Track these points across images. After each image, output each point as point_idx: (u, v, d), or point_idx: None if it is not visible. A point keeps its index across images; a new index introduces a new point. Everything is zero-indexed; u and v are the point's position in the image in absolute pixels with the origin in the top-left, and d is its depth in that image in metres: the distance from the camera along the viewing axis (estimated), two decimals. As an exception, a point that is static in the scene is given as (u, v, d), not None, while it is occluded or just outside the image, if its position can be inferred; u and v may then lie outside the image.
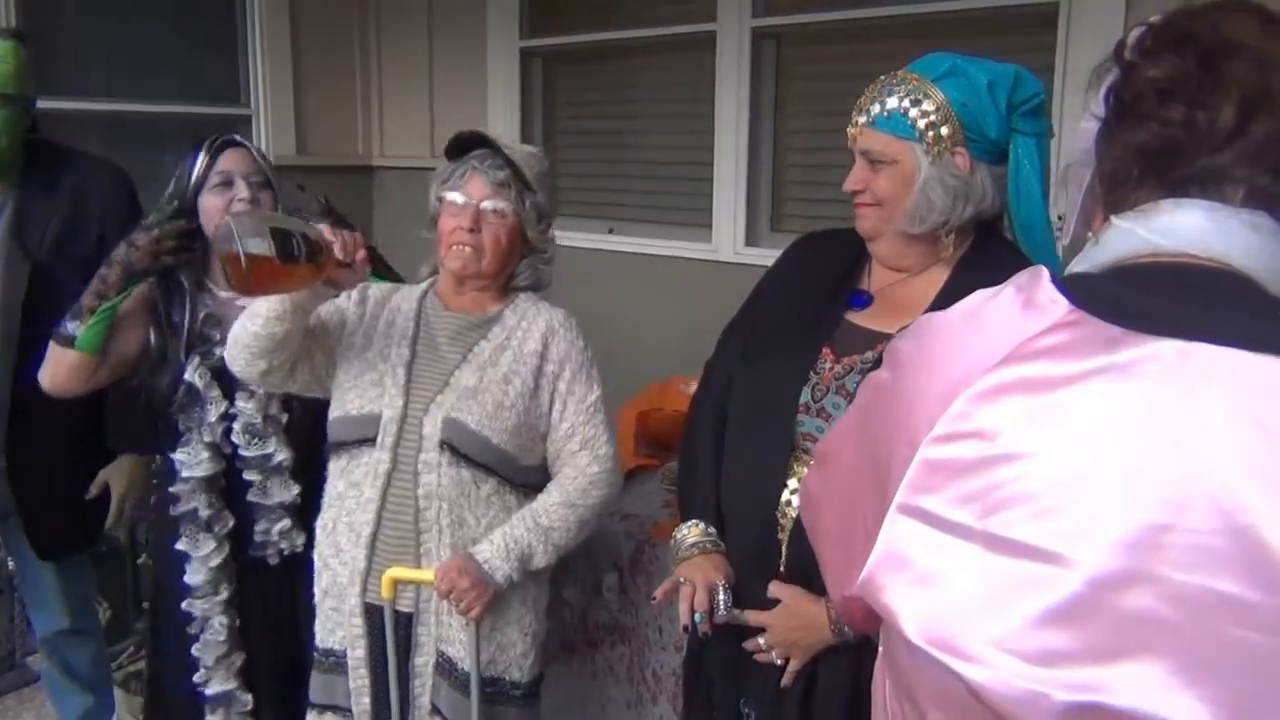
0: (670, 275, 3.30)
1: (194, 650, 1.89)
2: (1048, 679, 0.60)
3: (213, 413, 1.82)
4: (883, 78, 1.41)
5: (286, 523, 1.88)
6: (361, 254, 1.55)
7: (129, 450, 2.23)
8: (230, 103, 3.76)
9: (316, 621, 1.76)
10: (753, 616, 1.42)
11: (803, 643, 1.39)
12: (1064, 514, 0.61)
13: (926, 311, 1.05)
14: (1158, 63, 0.72)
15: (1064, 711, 0.59)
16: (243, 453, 1.84)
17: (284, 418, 1.87)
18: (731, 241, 3.14)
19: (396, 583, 1.66)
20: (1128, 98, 0.74)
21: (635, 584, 2.14)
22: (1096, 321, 0.65)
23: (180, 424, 1.84)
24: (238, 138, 1.92)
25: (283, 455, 1.86)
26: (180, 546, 1.85)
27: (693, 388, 1.71)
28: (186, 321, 1.84)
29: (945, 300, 1.20)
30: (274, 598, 1.92)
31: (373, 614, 1.69)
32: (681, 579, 1.47)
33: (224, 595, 1.88)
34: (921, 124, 1.34)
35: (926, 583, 0.66)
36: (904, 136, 1.35)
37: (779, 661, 1.42)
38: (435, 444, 1.64)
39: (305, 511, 1.85)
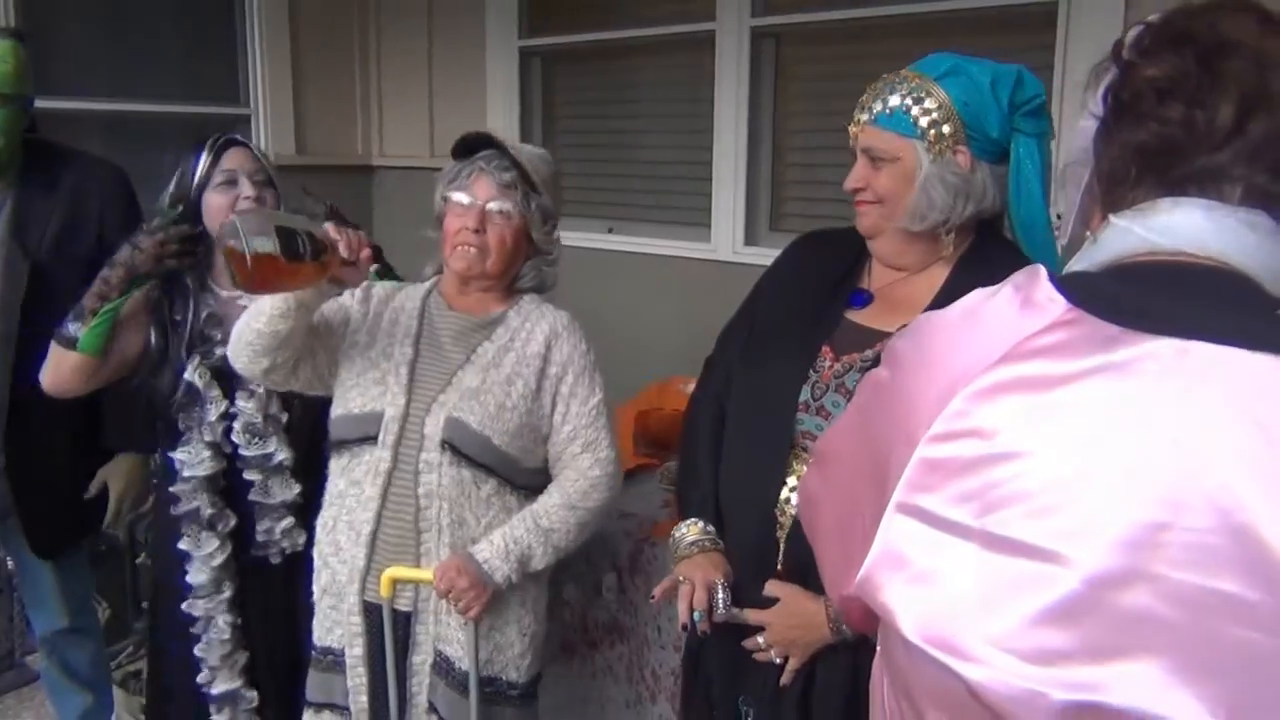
0: (669, 275, 3.30)
1: (197, 650, 1.89)
2: (1046, 678, 0.60)
3: (213, 412, 1.82)
4: (885, 76, 1.41)
5: (290, 521, 1.88)
6: (366, 252, 1.56)
7: (127, 449, 2.23)
8: (230, 102, 3.76)
9: (315, 620, 1.76)
10: (752, 615, 1.42)
11: (801, 641, 1.39)
12: (1062, 513, 0.61)
13: (926, 310, 1.05)
14: (1156, 62, 0.72)
15: (1062, 710, 0.59)
16: (243, 452, 1.84)
17: (284, 417, 1.87)
18: (731, 241, 3.14)
19: (395, 582, 1.66)
20: (1126, 97, 0.74)
21: (634, 583, 2.14)
22: (1094, 320, 0.66)
23: (180, 423, 1.84)
24: (239, 137, 1.92)
25: (283, 455, 1.86)
26: (182, 546, 1.85)
27: (692, 387, 1.72)
28: (189, 321, 1.85)
29: (945, 299, 1.20)
30: (275, 596, 1.92)
31: (371, 612, 1.69)
32: (680, 577, 1.47)
33: (227, 594, 1.88)
34: (924, 122, 1.34)
35: (924, 581, 0.66)
36: (906, 134, 1.36)
37: (778, 660, 1.42)
38: (437, 443, 1.65)
39: (306, 511, 1.85)
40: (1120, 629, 0.59)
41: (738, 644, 1.45)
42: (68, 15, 3.32)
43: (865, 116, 1.40)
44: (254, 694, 1.93)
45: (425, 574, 1.64)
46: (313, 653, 1.77)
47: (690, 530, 1.51)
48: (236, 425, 1.84)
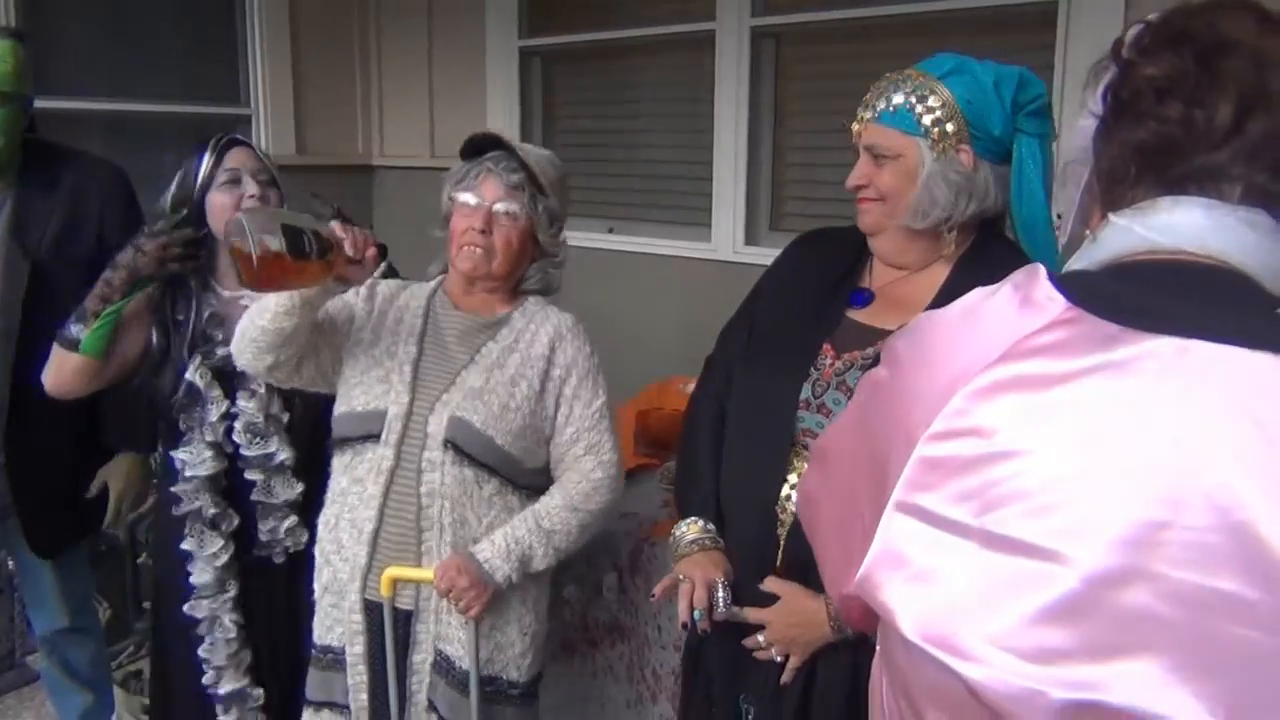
0: (670, 274, 3.30)
1: (202, 651, 1.89)
2: (1045, 677, 0.60)
3: (214, 412, 1.83)
4: (889, 75, 1.41)
5: (293, 520, 1.88)
6: (371, 251, 1.56)
7: (127, 448, 2.23)
8: (230, 103, 3.76)
9: (315, 618, 1.76)
10: (752, 614, 1.42)
11: (802, 640, 1.39)
12: (1061, 511, 0.61)
13: (927, 309, 1.05)
14: (1155, 61, 0.72)
15: (1061, 709, 0.59)
16: (244, 452, 1.85)
17: (285, 416, 1.87)
18: (731, 241, 3.14)
19: (396, 581, 1.66)
20: (1125, 96, 0.74)
21: (635, 583, 2.14)
22: (1094, 319, 0.66)
23: (182, 423, 1.84)
24: (241, 137, 1.92)
25: (284, 454, 1.86)
26: (185, 546, 1.85)
27: (692, 387, 1.72)
28: (190, 321, 1.85)
29: (946, 298, 1.20)
30: (278, 596, 1.93)
31: (372, 610, 1.69)
32: (680, 576, 1.47)
33: (231, 593, 1.88)
34: (927, 120, 1.35)
35: (924, 580, 0.66)
36: (909, 132, 1.36)
37: (778, 659, 1.42)
38: (439, 442, 1.65)
39: (307, 510, 1.86)
40: (1119, 628, 0.59)
41: (738, 642, 1.45)
42: (69, 15, 3.32)
43: (869, 114, 1.41)
44: (259, 691, 1.94)
45: (426, 573, 1.64)
46: (313, 651, 1.77)
47: (690, 529, 1.52)
48: (238, 425, 1.84)
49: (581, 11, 3.54)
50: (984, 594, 0.63)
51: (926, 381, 0.70)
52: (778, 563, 1.43)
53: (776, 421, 1.43)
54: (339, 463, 1.73)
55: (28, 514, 2.14)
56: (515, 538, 1.66)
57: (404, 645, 1.70)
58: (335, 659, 1.74)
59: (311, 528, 1.80)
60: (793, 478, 1.41)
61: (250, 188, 1.83)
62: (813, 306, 1.50)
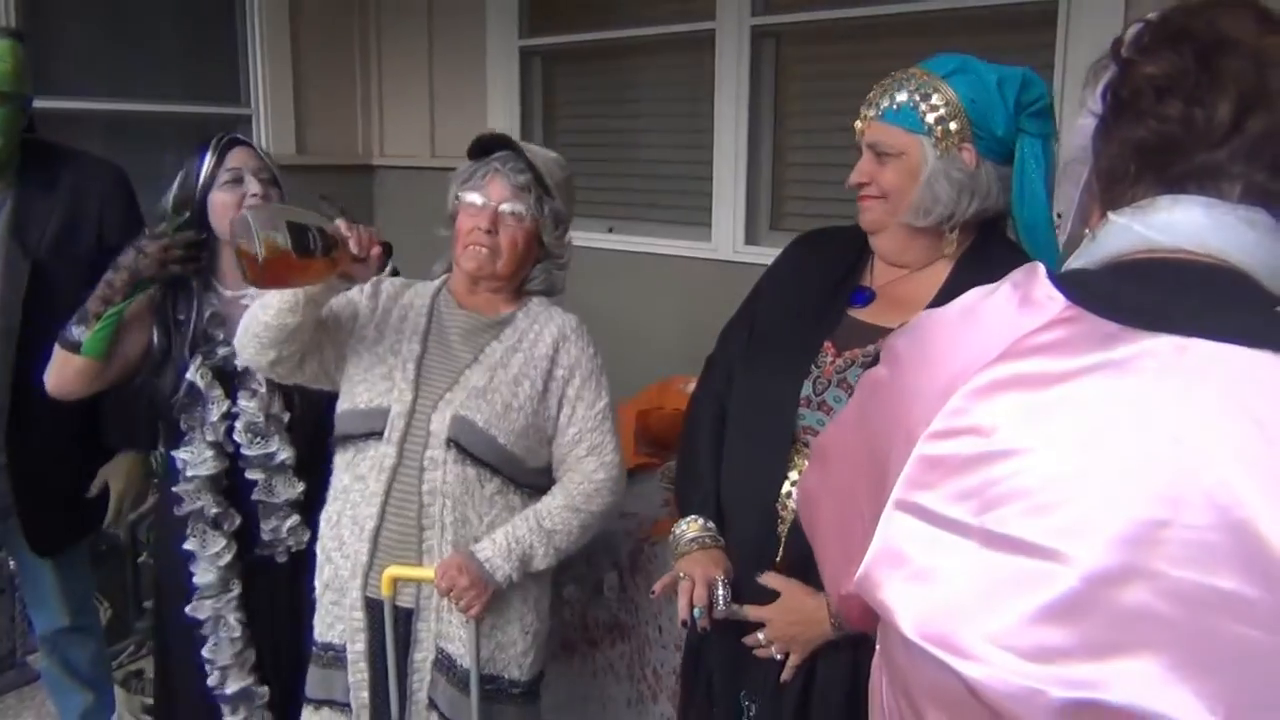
0: (670, 274, 3.30)
1: (206, 651, 1.89)
2: (1044, 675, 0.60)
3: (215, 412, 1.83)
4: (893, 74, 1.42)
5: (296, 519, 1.88)
6: (376, 249, 1.56)
7: (127, 447, 2.23)
8: (230, 102, 3.76)
9: (316, 615, 1.76)
10: (752, 612, 1.42)
11: (802, 637, 1.39)
12: (1061, 510, 0.61)
13: (928, 308, 1.05)
14: (1155, 59, 0.72)
15: (1061, 708, 0.59)
16: (245, 451, 1.85)
17: (286, 416, 1.87)
18: (731, 240, 3.14)
19: (396, 580, 1.66)
20: (1125, 94, 0.74)
21: (635, 583, 2.14)
22: (1093, 318, 0.66)
23: (182, 423, 1.84)
24: (242, 136, 1.93)
25: (285, 454, 1.86)
26: (188, 546, 1.86)
27: (692, 386, 1.72)
28: (192, 320, 1.85)
29: (947, 297, 1.20)
30: (281, 595, 1.93)
31: (373, 608, 1.69)
32: (680, 574, 1.47)
33: (235, 592, 1.88)
34: (931, 118, 1.35)
35: (923, 579, 0.66)
36: (913, 130, 1.37)
37: (778, 657, 1.42)
38: (442, 441, 1.65)
39: (308, 509, 1.86)
40: (1119, 626, 0.59)
41: (739, 639, 1.45)
42: (69, 15, 3.32)
43: (872, 112, 1.41)
44: (265, 689, 1.94)
45: (426, 572, 1.64)
46: (314, 649, 1.77)
47: (690, 527, 1.52)
48: (238, 424, 1.84)
49: (582, 11, 3.54)
50: (983, 593, 0.63)
51: (926, 380, 0.70)
52: (778, 560, 1.43)
53: (777, 419, 1.44)
54: (341, 460, 1.73)
55: (29, 513, 2.14)
56: (516, 537, 1.66)
57: (405, 643, 1.71)
58: (336, 656, 1.74)
59: (313, 526, 1.80)
60: (794, 475, 1.41)
61: (252, 187, 1.83)
62: (814, 305, 1.50)
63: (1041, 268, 0.70)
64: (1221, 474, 0.58)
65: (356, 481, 1.69)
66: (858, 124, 1.44)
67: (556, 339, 1.74)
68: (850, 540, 0.74)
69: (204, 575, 1.86)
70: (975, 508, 0.64)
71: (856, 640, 1.33)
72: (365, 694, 1.72)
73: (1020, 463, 0.63)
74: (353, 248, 1.52)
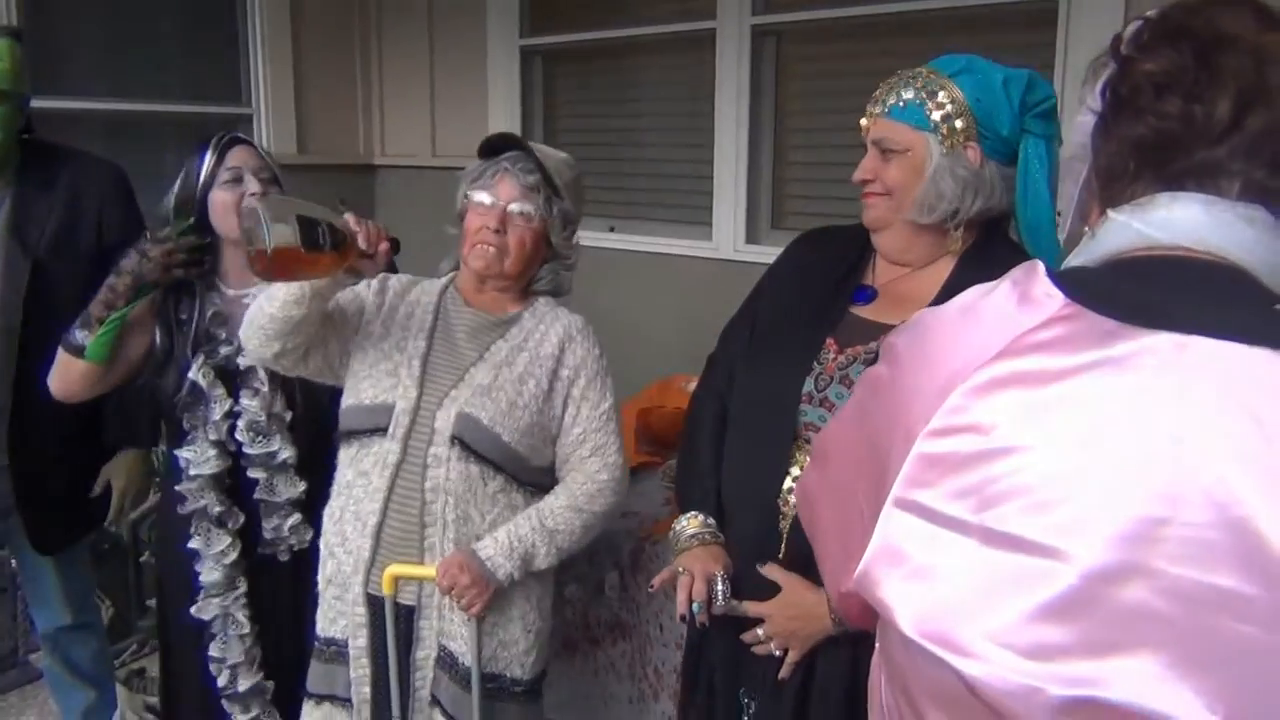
0: (671, 273, 3.30)
1: (214, 650, 1.89)
2: (1043, 673, 0.60)
3: (217, 411, 1.83)
4: (899, 72, 1.43)
5: (297, 517, 1.88)
6: (384, 245, 1.56)
7: (127, 445, 2.23)
8: (231, 102, 3.76)
9: (319, 610, 1.76)
10: (751, 607, 1.42)
11: (801, 633, 1.39)
12: (1060, 508, 0.61)
13: (930, 306, 1.05)
14: (1154, 57, 0.72)
15: (1060, 706, 0.59)
16: (247, 450, 1.85)
17: (288, 415, 1.87)
18: (732, 239, 3.14)
19: (398, 578, 1.66)
20: (1124, 92, 0.74)
21: (636, 582, 2.14)
22: (1092, 315, 0.65)
23: (185, 422, 1.85)
24: (243, 135, 1.93)
25: (287, 452, 1.86)
26: (192, 545, 1.86)
27: (693, 385, 1.72)
28: (194, 320, 1.85)
29: (949, 295, 1.19)
30: (283, 594, 1.93)
31: (375, 604, 1.69)
32: (680, 568, 1.47)
33: (241, 590, 1.89)
34: (936, 116, 1.36)
35: (922, 577, 0.66)
36: (918, 126, 1.37)
37: (778, 653, 1.42)
38: (446, 438, 1.65)
39: (311, 508, 1.86)
40: (1118, 624, 0.59)
41: (738, 637, 1.45)
42: (70, 15, 3.32)
43: (878, 109, 1.42)
44: (271, 684, 1.94)
45: (428, 571, 1.64)
46: (316, 644, 1.77)
47: (690, 523, 1.52)
48: (241, 424, 1.84)
49: (582, 11, 3.54)
50: (982, 590, 0.63)
51: (926, 378, 0.70)
52: (780, 556, 1.43)
53: (779, 415, 1.44)
54: (345, 455, 1.73)
55: (30, 512, 2.15)
56: (518, 536, 1.66)
57: (407, 640, 1.71)
58: (338, 651, 1.74)
59: (316, 525, 1.80)
60: (795, 471, 1.41)
61: (252, 186, 1.83)
62: (816, 302, 1.50)
63: (1041, 265, 0.70)
64: (1220, 472, 0.58)
65: (360, 477, 1.69)
66: (863, 121, 1.45)
67: (562, 339, 1.74)
68: (849, 538, 0.74)
69: (210, 574, 1.87)
70: (974, 505, 0.64)
71: (856, 636, 1.33)
72: (367, 690, 1.72)
73: (1019, 460, 0.63)
74: (361, 243, 1.52)
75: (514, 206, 1.69)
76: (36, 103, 2.09)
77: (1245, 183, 0.70)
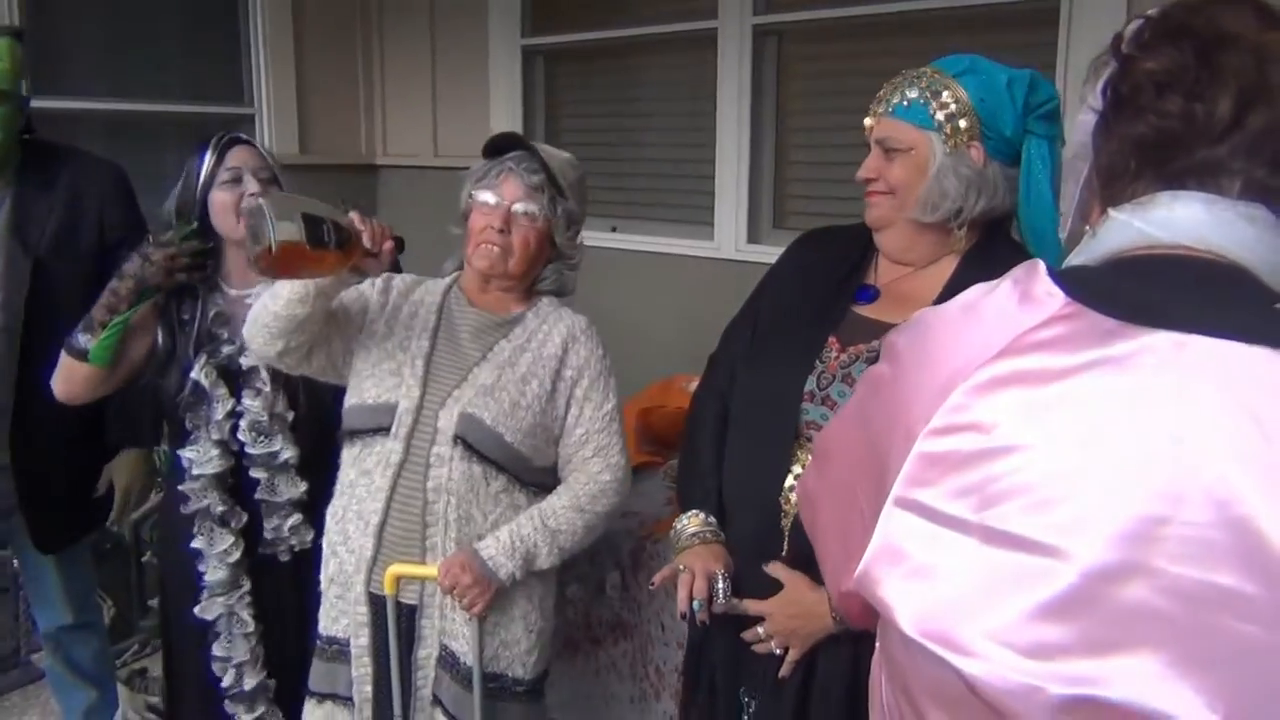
0: (672, 273, 3.30)
1: (219, 649, 1.89)
2: (1043, 672, 0.60)
3: (219, 411, 1.83)
4: (904, 72, 1.43)
5: (298, 518, 1.88)
6: (388, 244, 1.56)
7: (129, 444, 2.23)
8: (233, 102, 3.76)
9: (321, 609, 1.77)
10: (751, 605, 1.42)
11: (802, 632, 1.40)
12: (1060, 507, 0.61)
13: (932, 305, 1.05)
14: (1155, 55, 0.72)
15: (1059, 704, 0.59)
16: (249, 450, 1.85)
17: (290, 415, 1.87)
18: (733, 239, 3.13)
19: (399, 578, 1.66)
20: (1125, 90, 0.74)
21: (638, 581, 2.14)
22: (1093, 314, 0.65)
23: (188, 422, 1.85)
24: (243, 135, 1.93)
25: (289, 453, 1.86)
26: (196, 544, 1.86)
27: (695, 385, 1.72)
28: (196, 320, 1.86)
29: (951, 294, 1.19)
30: (285, 594, 1.93)
31: (377, 603, 1.69)
32: (680, 566, 1.47)
33: (246, 588, 1.89)
34: (940, 115, 1.36)
35: (922, 576, 0.66)
36: (922, 126, 1.38)
37: (778, 651, 1.42)
38: (449, 438, 1.65)
39: (312, 509, 1.86)
40: (1118, 623, 0.59)
41: (739, 636, 1.45)
42: (72, 14, 3.33)
43: (882, 108, 1.42)
44: (273, 682, 1.95)
45: (429, 570, 1.65)
46: (318, 642, 1.77)
47: (691, 522, 1.52)
48: (243, 424, 1.84)
49: (584, 10, 3.54)
50: (983, 589, 0.63)
51: (927, 377, 0.70)
52: (783, 554, 1.43)
53: (781, 413, 1.44)
54: (348, 454, 1.73)
55: (33, 511, 2.15)
56: (520, 535, 1.66)
57: (409, 640, 1.71)
58: (340, 650, 1.74)
59: (318, 525, 1.80)
60: (797, 469, 1.41)
61: (251, 185, 1.83)
62: (818, 302, 1.50)
63: (1042, 264, 0.70)
64: (1220, 470, 0.58)
65: (362, 476, 1.69)
66: (867, 120, 1.45)
67: (566, 339, 1.74)
68: (850, 537, 0.74)
69: (214, 573, 1.87)
70: (975, 504, 0.64)
71: (857, 635, 1.33)
72: (368, 689, 1.72)
73: (1020, 459, 0.63)
74: (366, 241, 1.52)
75: (518, 206, 1.70)
76: (36, 103, 2.09)
77: (1246, 181, 0.70)
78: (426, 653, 1.71)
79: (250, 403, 1.84)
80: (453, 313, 1.77)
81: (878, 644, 0.81)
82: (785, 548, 1.43)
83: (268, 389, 1.84)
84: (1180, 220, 0.70)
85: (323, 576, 1.76)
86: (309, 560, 1.85)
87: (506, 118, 3.66)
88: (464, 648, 1.69)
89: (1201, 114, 0.70)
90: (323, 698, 1.77)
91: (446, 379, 1.70)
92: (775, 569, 1.42)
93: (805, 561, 1.36)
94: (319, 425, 1.86)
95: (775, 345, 1.51)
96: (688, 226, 3.30)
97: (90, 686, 2.43)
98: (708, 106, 3.17)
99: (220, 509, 1.85)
